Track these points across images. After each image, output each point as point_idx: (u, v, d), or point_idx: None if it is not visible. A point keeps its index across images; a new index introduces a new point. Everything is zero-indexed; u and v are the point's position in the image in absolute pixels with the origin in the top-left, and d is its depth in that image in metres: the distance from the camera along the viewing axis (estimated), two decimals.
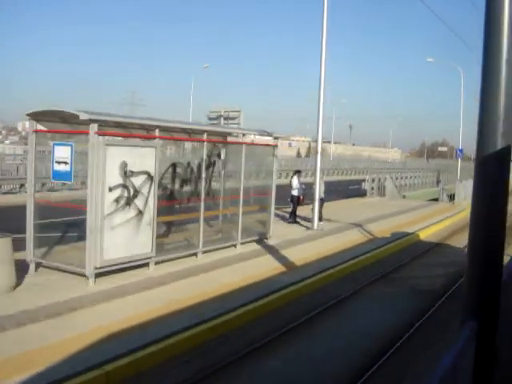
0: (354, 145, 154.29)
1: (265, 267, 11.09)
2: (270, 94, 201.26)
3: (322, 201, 17.32)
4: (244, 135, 12.60)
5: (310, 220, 16.86)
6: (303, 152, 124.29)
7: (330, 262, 12.12)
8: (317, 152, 15.98)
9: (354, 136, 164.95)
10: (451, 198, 28.97)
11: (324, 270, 11.25)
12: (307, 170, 56.14)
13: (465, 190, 31.39)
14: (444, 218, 21.64)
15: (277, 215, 18.89)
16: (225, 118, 48.50)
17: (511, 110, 2.89)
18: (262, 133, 13.38)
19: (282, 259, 12.00)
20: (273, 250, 12.88)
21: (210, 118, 51.57)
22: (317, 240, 14.76)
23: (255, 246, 13.19)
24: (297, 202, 17.28)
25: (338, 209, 22.24)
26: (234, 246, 12.78)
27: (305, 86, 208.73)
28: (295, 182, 17.29)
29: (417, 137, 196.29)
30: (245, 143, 12.61)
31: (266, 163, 13.71)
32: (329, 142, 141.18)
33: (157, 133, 10.10)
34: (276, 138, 13.80)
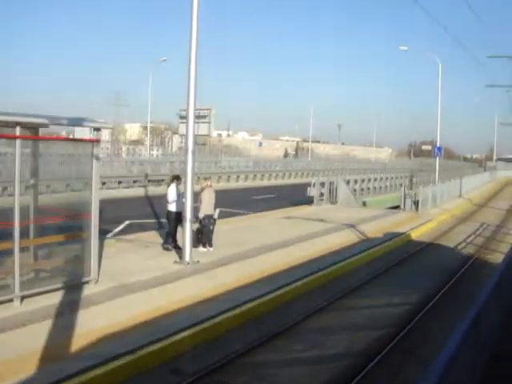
0: (343, 144, 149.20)
1: (6, 355, 6.30)
2: (259, 94, 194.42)
3: (210, 219, 12.55)
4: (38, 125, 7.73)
5: (205, 245, 12.36)
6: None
7: (156, 330, 7.40)
8: (187, 151, 11.17)
9: (345, 136, 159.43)
10: (417, 204, 24.12)
11: (119, 356, 6.51)
12: (296, 170, 51.52)
13: (437, 195, 26.66)
14: (394, 237, 16.93)
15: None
16: (196, 117, 44.24)
17: None
18: (78, 122, 8.61)
19: (66, 330, 7.21)
20: (73, 308, 8.05)
21: (181, 117, 47.30)
22: (176, 282, 9.93)
23: (54, 300, 8.31)
24: (175, 220, 12.41)
25: (258, 226, 17.46)
26: (12, 300, 7.99)
27: (295, 85, 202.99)
28: (172, 192, 12.40)
29: (411, 135, 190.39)
30: (24, 137, 7.77)
31: (82, 168, 8.89)
32: (318, 142, 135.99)
33: None
34: (97, 130, 8.94)
